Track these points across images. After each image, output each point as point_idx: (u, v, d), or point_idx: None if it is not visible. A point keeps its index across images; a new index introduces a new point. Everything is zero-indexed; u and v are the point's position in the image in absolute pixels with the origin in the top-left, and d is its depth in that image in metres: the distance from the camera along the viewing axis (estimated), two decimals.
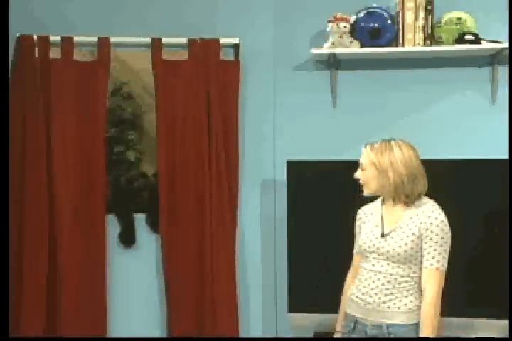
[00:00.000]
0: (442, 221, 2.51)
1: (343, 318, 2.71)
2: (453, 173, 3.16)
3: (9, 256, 3.30)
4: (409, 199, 2.54)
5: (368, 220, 2.67)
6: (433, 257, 2.48)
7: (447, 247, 2.51)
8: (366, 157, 2.59)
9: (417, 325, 2.50)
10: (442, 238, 2.49)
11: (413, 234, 2.50)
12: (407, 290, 2.52)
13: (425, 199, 2.58)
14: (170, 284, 3.58)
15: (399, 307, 2.51)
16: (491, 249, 3.21)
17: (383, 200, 2.66)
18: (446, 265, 2.50)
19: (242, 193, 3.62)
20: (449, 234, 2.52)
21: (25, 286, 3.42)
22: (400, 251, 2.50)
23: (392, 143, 2.56)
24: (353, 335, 2.62)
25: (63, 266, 3.47)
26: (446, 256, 2.51)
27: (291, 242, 3.35)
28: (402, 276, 2.52)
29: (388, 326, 2.52)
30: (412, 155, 2.54)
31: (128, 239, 3.65)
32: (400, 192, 2.54)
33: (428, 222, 2.50)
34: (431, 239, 2.48)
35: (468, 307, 3.19)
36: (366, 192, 2.62)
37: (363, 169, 2.61)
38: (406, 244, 2.50)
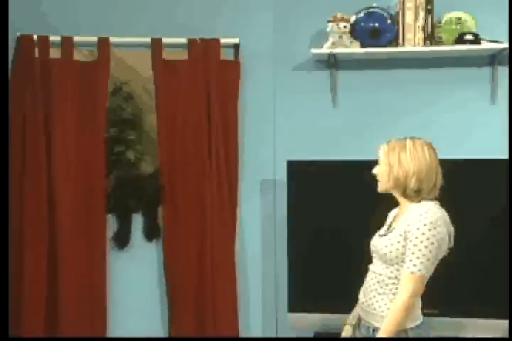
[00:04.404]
0: (425, 224, 2.36)
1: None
2: (453, 173, 3.16)
3: (9, 256, 3.30)
4: (406, 198, 2.50)
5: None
6: (410, 260, 2.37)
7: (427, 252, 2.35)
8: None
9: (400, 331, 2.40)
10: (421, 242, 2.34)
11: (400, 235, 2.43)
12: (393, 294, 2.45)
13: (426, 201, 2.47)
14: (170, 284, 3.59)
15: (382, 311, 2.47)
16: (491, 249, 3.21)
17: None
18: (425, 271, 2.35)
19: (242, 193, 3.62)
20: (432, 239, 2.35)
21: (25, 286, 3.42)
22: (386, 251, 2.46)
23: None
24: (356, 331, 2.61)
25: (63, 266, 3.47)
26: (427, 261, 2.35)
27: (291, 242, 3.35)
28: (390, 278, 2.46)
29: (374, 329, 2.49)
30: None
31: (121, 240, 3.64)
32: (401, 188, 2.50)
33: (412, 223, 2.39)
34: (410, 241, 2.38)
35: (468, 307, 3.19)
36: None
37: None
38: (392, 244, 2.44)
